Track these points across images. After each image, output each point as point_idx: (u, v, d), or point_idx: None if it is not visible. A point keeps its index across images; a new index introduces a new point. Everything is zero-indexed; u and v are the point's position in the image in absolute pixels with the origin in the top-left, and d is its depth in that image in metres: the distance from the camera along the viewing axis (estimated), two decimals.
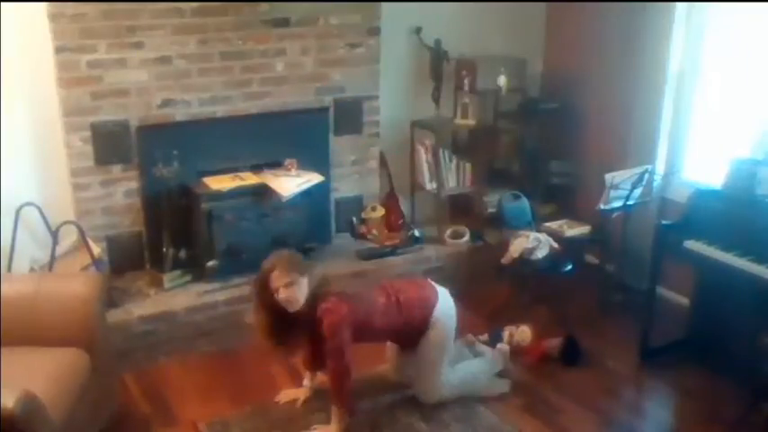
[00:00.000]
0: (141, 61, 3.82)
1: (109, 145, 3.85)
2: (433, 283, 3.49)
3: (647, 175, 4.17)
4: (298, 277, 3.06)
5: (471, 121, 4.77)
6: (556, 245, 4.15)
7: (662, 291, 4.07)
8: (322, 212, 4.48)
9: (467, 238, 4.72)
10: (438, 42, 4.66)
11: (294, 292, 3.05)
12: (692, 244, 3.54)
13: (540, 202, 4.89)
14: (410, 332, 3.37)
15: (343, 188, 4.59)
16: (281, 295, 3.05)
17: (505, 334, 3.97)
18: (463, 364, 3.57)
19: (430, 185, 4.76)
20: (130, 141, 3.91)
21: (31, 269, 3.75)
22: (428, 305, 3.33)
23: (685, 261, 3.70)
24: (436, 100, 4.76)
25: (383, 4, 4.37)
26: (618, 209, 4.19)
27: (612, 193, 4.09)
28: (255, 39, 4.07)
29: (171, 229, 3.98)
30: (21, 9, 3.62)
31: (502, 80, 4.60)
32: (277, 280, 3.04)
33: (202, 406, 3.45)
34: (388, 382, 3.57)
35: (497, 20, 4.93)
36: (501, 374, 3.65)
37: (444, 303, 3.38)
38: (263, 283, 3.09)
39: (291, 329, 3.16)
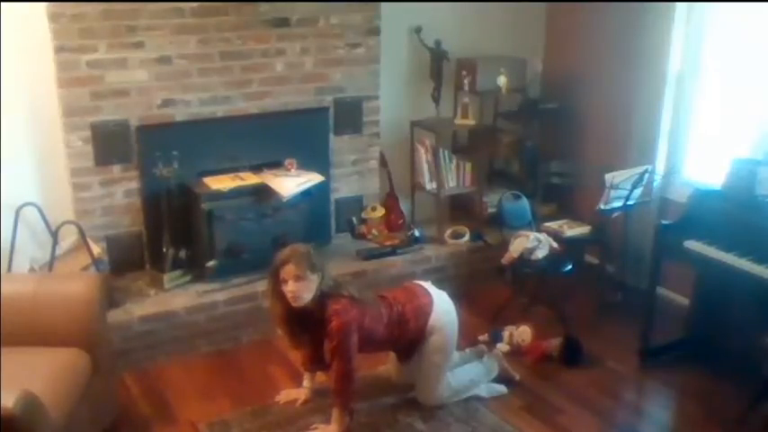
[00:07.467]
0: (141, 61, 3.82)
1: (109, 145, 3.85)
2: (429, 288, 3.46)
3: (647, 175, 4.17)
4: (308, 273, 3.05)
5: (471, 121, 4.77)
6: (556, 245, 4.15)
7: (662, 291, 4.07)
8: (322, 212, 4.48)
9: (467, 238, 4.72)
10: (438, 42, 4.65)
11: (301, 287, 3.04)
12: (692, 244, 3.54)
13: (540, 202, 4.90)
14: (407, 344, 3.37)
15: (343, 188, 4.59)
16: (288, 287, 3.05)
17: (505, 334, 3.97)
18: (463, 369, 3.57)
19: (430, 185, 4.76)
20: (130, 141, 3.91)
21: (31, 269, 3.74)
22: (422, 315, 3.32)
23: (685, 261, 3.69)
24: (436, 100, 4.75)
25: (383, 4, 4.37)
26: (618, 209, 4.19)
27: (612, 193, 4.09)
28: (255, 39, 4.07)
29: (171, 229, 3.98)
30: (21, 9, 3.62)
31: (502, 80, 4.60)
32: (288, 272, 3.04)
33: (202, 406, 3.45)
34: (389, 383, 3.57)
35: (497, 20, 4.94)
36: (499, 377, 3.64)
37: (441, 309, 3.37)
38: (275, 273, 3.09)
39: (301, 323, 3.17)
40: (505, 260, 4.16)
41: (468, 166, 4.79)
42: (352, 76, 4.40)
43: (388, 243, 4.56)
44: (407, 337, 3.33)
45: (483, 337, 3.98)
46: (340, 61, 4.34)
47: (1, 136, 3.71)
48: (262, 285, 3.93)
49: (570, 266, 4.11)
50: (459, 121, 4.79)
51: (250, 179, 4.12)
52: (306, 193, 4.16)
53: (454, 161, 4.75)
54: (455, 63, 4.75)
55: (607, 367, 3.82)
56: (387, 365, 3.64)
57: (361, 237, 4.64)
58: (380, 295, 3.38)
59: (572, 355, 3.83)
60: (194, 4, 3.86)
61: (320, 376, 3.43)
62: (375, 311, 3.24)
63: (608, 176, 4.07)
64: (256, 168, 4.21)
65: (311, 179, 4.20)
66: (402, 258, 4.49)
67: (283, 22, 4.11)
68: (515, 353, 3.88)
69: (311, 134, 4.37)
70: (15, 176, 3.79)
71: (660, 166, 4.39)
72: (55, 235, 3.67)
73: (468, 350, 3.75)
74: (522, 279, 4.41)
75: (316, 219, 4.34)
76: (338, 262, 4.25)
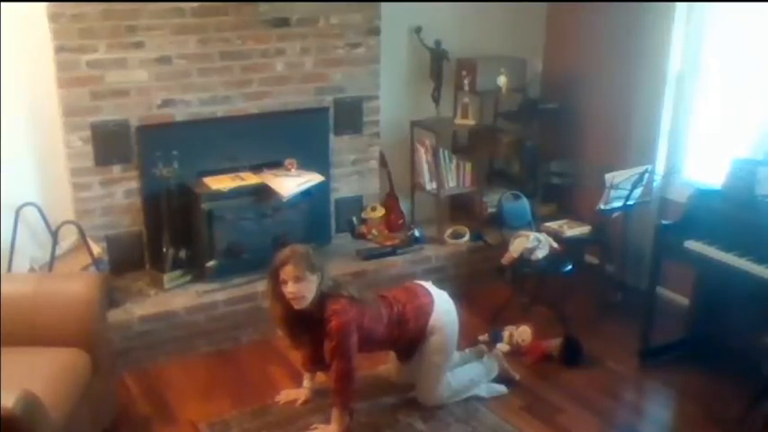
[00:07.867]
0: (141, 61, 3.82)
1: (109, 145, 3.85)
2: (430, 288, 3.46)
3: (647, 175, 4.17)
4: (307, 274, 3.05)
5: (471, 121, 4.77)
6: (556, 245, 4.15)
7: (662, 291, 4.07)
8: (322, 212, 4.48)
9: (467, 238, 4.72)
10: (438, 42, 4.66)
11: (301, 287, 3.04)
12: (692, 244, 3.54)
13: (540, 202, 4.90)
14: (407, 344, 3.37)
15: (343, 188, 4.59)
16: (288, 288, 3.04)
17: (505, 334, 3.97)
18: (463, 369, 3.57)
19: (430, 185, 4.76)
20: (130, 141, 3.91)
21: (31, 269, 3.74)
22: (423, 315, 3.32)
23: (685, 261, 3.69)
24: (436, 100, 4.76)
25: (383, 4, 4.37)
26: (618, 209, 4.19)
27: (612, 193, 4.09)
28: (255, 39, 4.07)
29: (171, 229, 3.98)
30: (21, 9, 3.61)
31: (502, 80, 4.60)
32: (287, 273, 3.04)
33: (202, 406, 3.45)
34: (389, 383, 3.57)
35: (497, 20, 4.94)
36: (499, 377, 3.64)
37: (442, 309, 3.37)
38: (275, 274, 3.09)
39: (301, 324, 3.17)
40: (505, 260, 4.16)
41: (468, 166, 4.79)
42: (352, 76, 4.40)
43: (388, 243, 4.56)
44: (407, 337, 3.33)
45: (483, 337, 3.98)
46: (340, 61, 4.34)
47: (1, 136, 3.71)
48: (262, 285, 3.93)
49: (570, 266, 4.11)
50: (459, 121, 4.79)
51: (250, 179, 4.12)
52: (306, 193, 4.16)
53: (454, 161, 4.75)
54: (455, 63, 4.75)
55: (607, 367, 3.82)
56: (387, 365, 3.64)
57: (361, 237, 4.64)
58: (381, 295, 3.38)
59: (572, 355, 3.83)
60: (194, 4, 3.86)
61: (320, 376, 3.43)
62: (375, 311, 3.24)
63: (608, 176, 4.07)
64: (256, 168, 4.21)
65: (311, 179, 4.20)
66: (402, 258, 4.49)
67: (283, 22, 4.11)
68: (515, 353, 3.88)
69: (311, 134, 4.37)
70: (15, 176, 3.79)
71: (660, 166, 4.39)
72: (55, 235, 3.67)
73: (468, 350, 3.74)
74: (522, 279, 4.41)
75: (316, 219, 4.34)
76: (338, 262, 4.25)
